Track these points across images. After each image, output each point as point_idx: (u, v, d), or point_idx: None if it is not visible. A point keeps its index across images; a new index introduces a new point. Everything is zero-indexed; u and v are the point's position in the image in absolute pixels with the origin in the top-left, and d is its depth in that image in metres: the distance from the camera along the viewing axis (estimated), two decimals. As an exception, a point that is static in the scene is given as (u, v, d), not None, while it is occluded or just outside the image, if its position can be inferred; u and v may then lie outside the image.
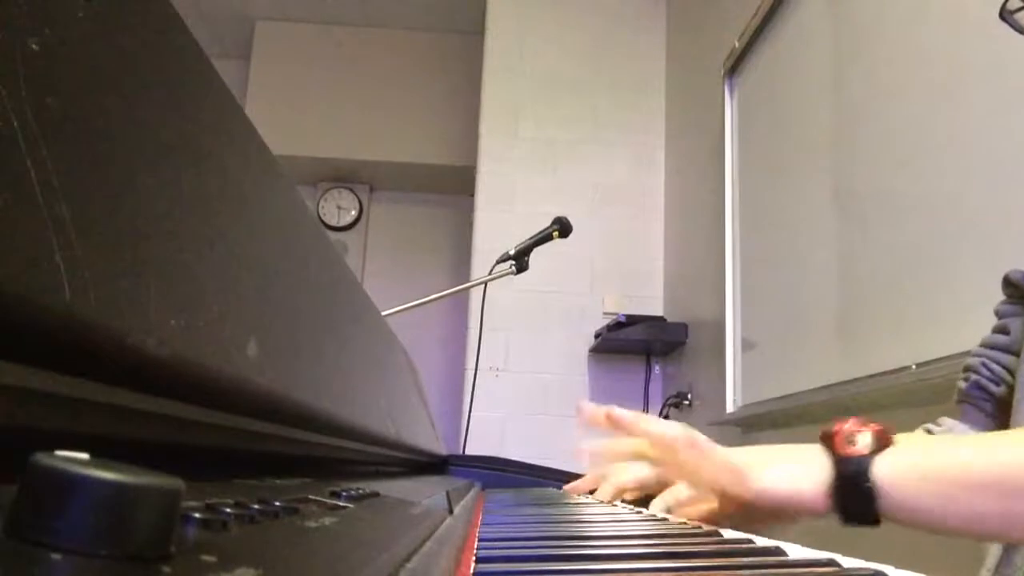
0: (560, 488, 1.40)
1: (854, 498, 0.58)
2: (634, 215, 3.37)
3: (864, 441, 0.59)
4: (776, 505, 0.61)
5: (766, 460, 0.64)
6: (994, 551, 0.71)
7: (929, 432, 0.82)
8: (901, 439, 0.60)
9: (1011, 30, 0.79)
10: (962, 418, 0.80)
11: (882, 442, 0.59)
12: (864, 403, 1.58)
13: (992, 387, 0.78)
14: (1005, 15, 0.79)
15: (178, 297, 0.24)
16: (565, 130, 3.43)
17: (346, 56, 4.21)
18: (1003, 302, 0.81)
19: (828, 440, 0.61)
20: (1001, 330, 0.79)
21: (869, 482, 0.57)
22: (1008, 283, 0.80)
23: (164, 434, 0.28)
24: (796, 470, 0.61)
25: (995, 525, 0.55)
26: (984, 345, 0.80)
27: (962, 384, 0.81)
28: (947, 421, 0.82)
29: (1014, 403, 0.73)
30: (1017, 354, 0.76)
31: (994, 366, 0.78)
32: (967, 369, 0.81)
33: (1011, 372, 0.77)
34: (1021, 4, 0.78)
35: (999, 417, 0.77)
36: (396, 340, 1.03)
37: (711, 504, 0.68)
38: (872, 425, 0.60)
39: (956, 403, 0.82)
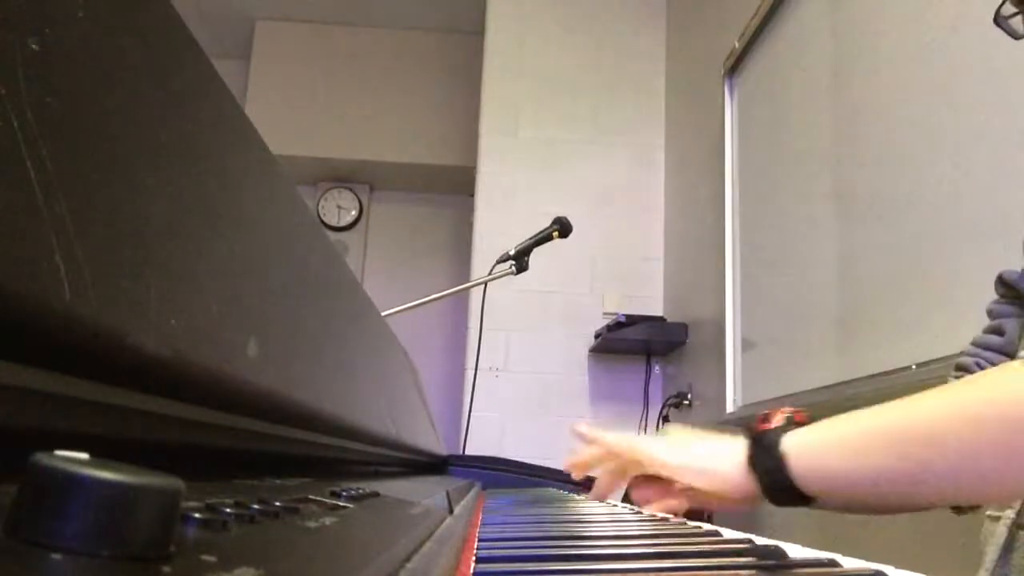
0: (559, 488, 1.41)
1: (766, 467, 0.60)
2: (634, 215, 3.37)
3: (780, 422, 0.62)
4: (699, 484, 0.66)
5: (687, 444, 0.70)
6: (991, 551, 0.71)
7: None
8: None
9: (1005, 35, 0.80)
10: None
11: (799, 422, 0.62)
12: (864, 403, 1.57)
13: None
14: (999, 20, 0.79)
15: (178, 297, 0.24)
16: (565, 130, 3.43)
17: (346, 56, 4.21)
18: (996, 302, 0.80)
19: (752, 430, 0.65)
20: (995, 330, 0.79)
21: (779, 448, 0.60)
22: (1002, 283, 0.79)
23: (164, 434, 0.28)
24: (715, 451, 0.67)
25: (904, 484, 0.56)
26: (977, 345, 0.80)
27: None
28: None
29: None
30: (1012, 356, 0.76)
31: (988, 366, 0.77)
32: (959, 368, 0.80)
33: None
34: (1015, 10, 0.78)
35: None
36: (396, 340, 1.03)
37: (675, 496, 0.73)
38: (795, 413, 0.64)
39: None
